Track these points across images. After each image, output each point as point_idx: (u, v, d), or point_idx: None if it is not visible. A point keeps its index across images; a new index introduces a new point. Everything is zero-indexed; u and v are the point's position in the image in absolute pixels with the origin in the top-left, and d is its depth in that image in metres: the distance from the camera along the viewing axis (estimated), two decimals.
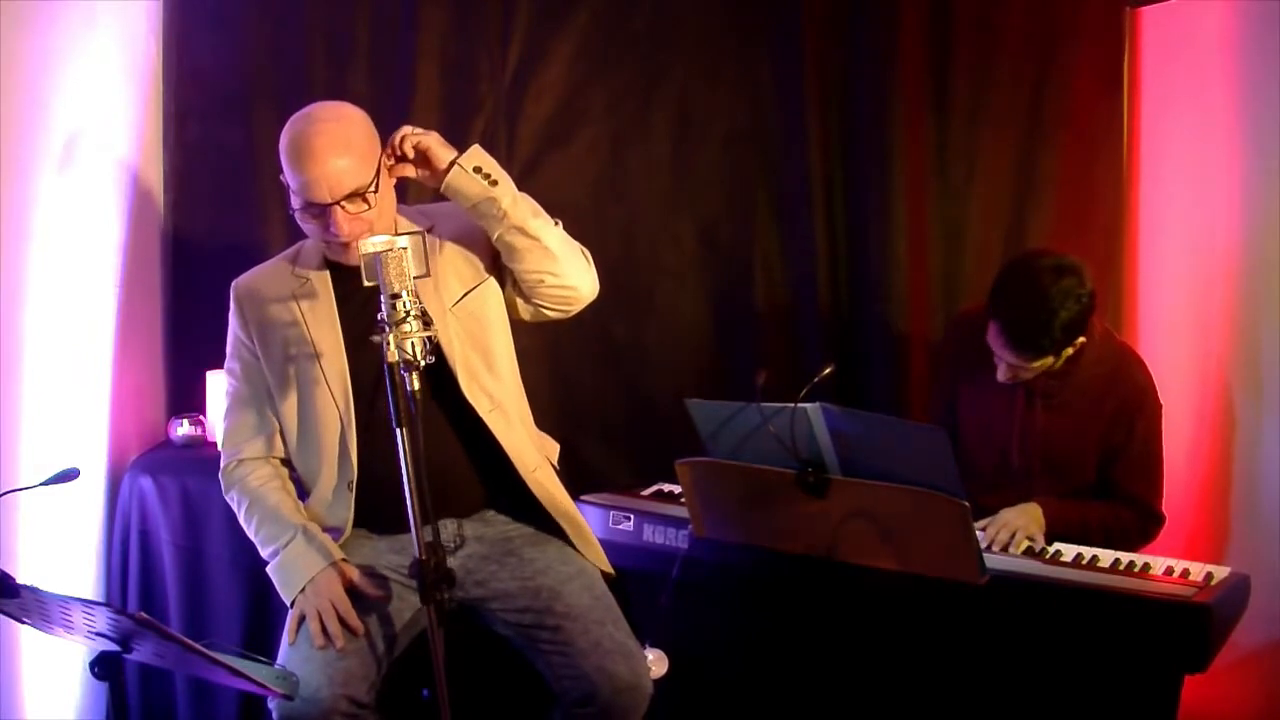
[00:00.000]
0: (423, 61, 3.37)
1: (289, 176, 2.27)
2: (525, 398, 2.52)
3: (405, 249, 2.09)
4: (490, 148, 2.38)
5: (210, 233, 3.34)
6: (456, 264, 2.43)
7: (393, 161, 2.34)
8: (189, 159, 3.33)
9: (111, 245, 3.09)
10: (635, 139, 3.46)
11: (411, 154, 2.33)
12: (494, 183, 2.32)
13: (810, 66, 3.38)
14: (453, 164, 2.31)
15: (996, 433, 2.79)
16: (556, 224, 2.39)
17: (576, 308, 2.45)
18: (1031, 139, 3.36)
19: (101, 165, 3.05)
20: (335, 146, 2.24)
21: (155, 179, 3.31)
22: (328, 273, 2.40)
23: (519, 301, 2.44)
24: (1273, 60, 2.83)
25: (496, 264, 2.43)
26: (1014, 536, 2.57)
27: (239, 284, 2.48)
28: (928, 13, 3.36)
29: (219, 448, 2.50)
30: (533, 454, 2.45)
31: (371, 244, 2.11)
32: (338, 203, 2.24)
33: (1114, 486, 2.74)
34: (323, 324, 2.38)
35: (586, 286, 2.43)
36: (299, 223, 2.33)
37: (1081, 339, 2.66)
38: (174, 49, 3.30)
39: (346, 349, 2.36)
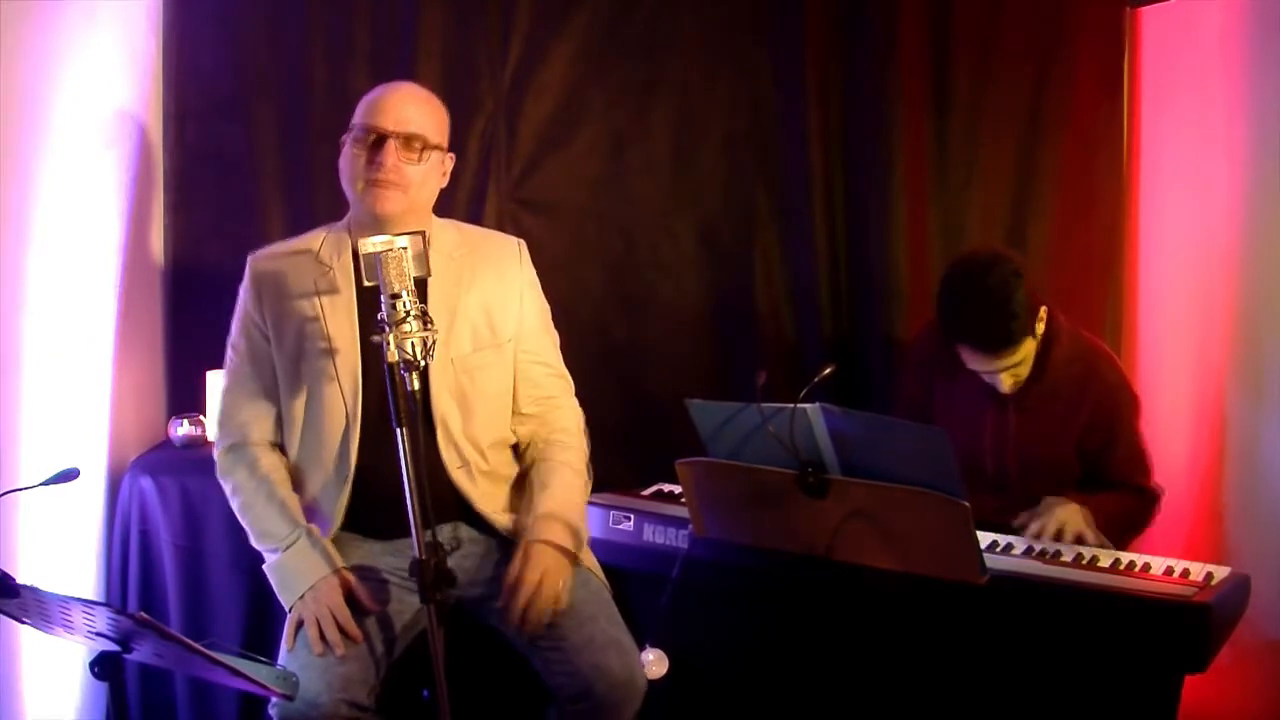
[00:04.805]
0: (423, 61, 3.36)
1: (360, 113, 2.35)
2: (514, 463, 2.51)
3: (405, 249, 2.10)
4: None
5: (210, 233, 3.33)
6: (476, 317, 2.41)
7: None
8: (189, 159, 3.33)
9: (111, 245, 3.09)
10: (635, 139, 3.45)
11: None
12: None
13: (810, 66, 3.38)
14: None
15: (971, 440, 2.78)
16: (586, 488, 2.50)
17: None
18: (1031, 139, 3.36)
19: (101, 165, 3.04)
20: (418, 98, 2.40)
21: (155, 179, 3.31)
22: (351, 266, 2.38)
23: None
24: (1273, 60, 2.83)
25: (515, 338, 2.45)
26: (1062, 530, 2.57)
27: (258, 262, 2.45)
28: (927, 13, 3.36)
29: (216, 426, 2.47)
30: (502, 510, 2.44)
31: (371, 244, 2.12)
32: (397, 134, 2.30)
33: (1108, 482, 2.75)
34: (341, 319, 2.37)
35: None
36: (343, 164, 2.37)
37: (1044, 308, 2.64)
38: (174, 48, 3.30)
39: (361, 346, 2.35)
